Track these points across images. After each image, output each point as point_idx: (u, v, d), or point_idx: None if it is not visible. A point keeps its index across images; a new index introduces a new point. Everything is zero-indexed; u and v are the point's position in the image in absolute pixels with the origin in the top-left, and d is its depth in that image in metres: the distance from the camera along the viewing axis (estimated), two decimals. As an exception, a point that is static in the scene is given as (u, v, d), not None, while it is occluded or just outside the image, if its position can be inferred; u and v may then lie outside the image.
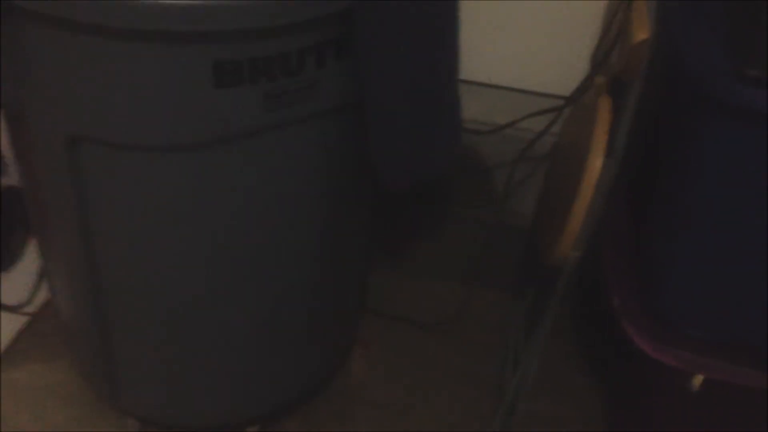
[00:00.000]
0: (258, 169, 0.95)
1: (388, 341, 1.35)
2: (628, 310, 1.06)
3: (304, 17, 0.84)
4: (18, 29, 0.83)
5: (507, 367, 1.28)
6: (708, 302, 1.02)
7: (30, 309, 1.38)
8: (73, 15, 0.78)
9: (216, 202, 0.95)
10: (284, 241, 1.04)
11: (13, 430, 1.19)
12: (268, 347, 1.13)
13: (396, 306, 1.38)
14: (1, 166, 1.35)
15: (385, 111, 0.95)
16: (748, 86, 0.85)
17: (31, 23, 0.82)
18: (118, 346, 1.11)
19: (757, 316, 1.00)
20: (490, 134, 1.28)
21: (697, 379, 1.02)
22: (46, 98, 0.88)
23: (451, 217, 1.26)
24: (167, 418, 1.23)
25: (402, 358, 1.32)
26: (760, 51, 0.87)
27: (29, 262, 1.33)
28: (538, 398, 1.24)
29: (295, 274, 1.09)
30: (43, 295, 1.39)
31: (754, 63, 0.85)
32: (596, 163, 1.02)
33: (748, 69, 0.85)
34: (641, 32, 0.93)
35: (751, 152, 0.88)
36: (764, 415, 1.04)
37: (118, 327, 1.08)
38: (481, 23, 1.24)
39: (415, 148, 1.01)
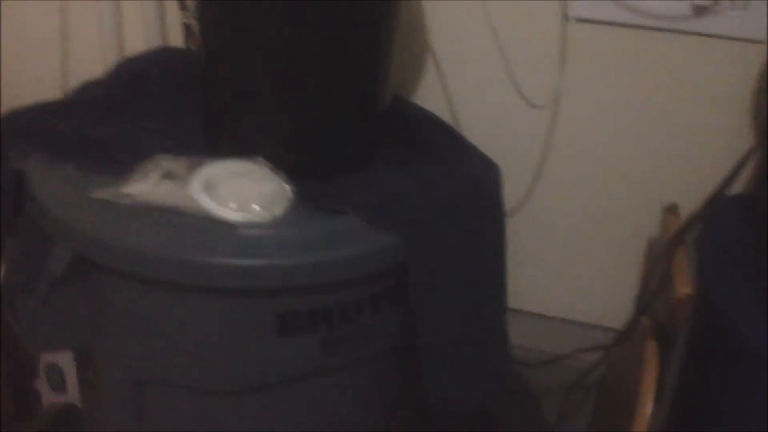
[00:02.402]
0: (314, 407, 0.98)
1: None
2: None
3: (362, 273, 0.91)
4: (95, 280, 0.91)
5: None
6: None
7: None
8: (147, 271, 0.86)
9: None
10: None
11: None
12: None
13: None
14: (64, 384, 1.40)
15: (436, 352, 0.99)
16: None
17: (106, 276, 0.89)
18: None
19: None
20: (541, 364, 1.30)
21: None
22: (117, 343, 0.94)
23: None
24: None
25: None
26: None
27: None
28: None
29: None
30: None
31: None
32: (646, 410, 1.03)
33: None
34: (684, 287, 0.97)
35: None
36: None
37: None
38: (528, 254, 1.30)
39: (464, 385, 1.04)
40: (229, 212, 0.88)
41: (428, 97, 1.28)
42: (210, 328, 0.89)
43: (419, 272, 0.93)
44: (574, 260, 1.32)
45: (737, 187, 1.12)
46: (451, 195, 1.00)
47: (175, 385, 0.93)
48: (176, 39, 1.33)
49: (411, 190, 0.99)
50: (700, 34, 1.15)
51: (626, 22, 1.17)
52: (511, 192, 1.16)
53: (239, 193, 0.90)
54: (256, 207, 0.89)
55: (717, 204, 1.09)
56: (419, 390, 1.00)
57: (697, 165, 1.21)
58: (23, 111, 1.11)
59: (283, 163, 0.94)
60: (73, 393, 1.44)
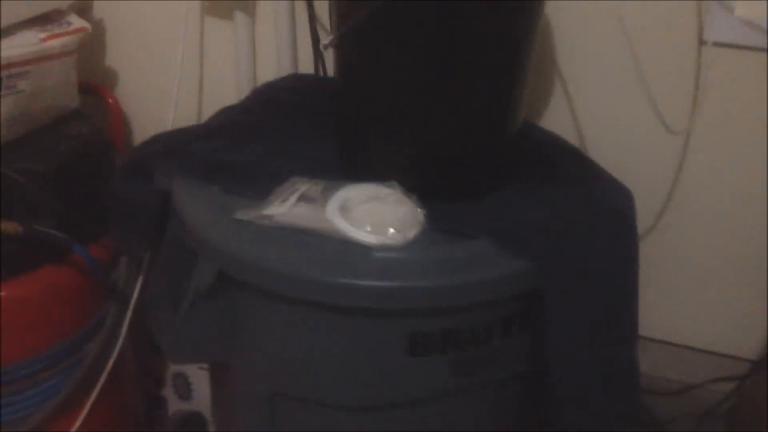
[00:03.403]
0: (440, 428, 0.99)
1: None
2: None
3: (492, 297, 0.91)
4: (235, 297, 0.95)
5: None
6: None
7: None
8: (284, 289, 0.89)
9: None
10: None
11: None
12: None
13: None
14: (190, 392, 1.46)
15: (566, 380, 0.98)
16: None
17: (246, 293, 0.93)
18: None
19: None
20: (670, 394, 1.27)
21: None
22: (253, 357, 0.97)
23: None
24: None
25: None
26: None
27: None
28: None
29: None
30: None
31: None
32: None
33: None
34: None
35: None
36: None
37: None
38: (659, 279, 1.27)
39: (591, 414, 1.02)
40: (364, 234, 0.90)
41: (556, 121, 1.27)
42: (343, 346, 0.92)
43: (554, 298, 0.93)
44: (705, 287, 1.28)
45: None
46: (585, 220, 1.00)
47: (307, 400, 0.95)
48: (307, 65, 1.38)
49: (543, 215, 0.99)
50: None
51: (763, 46, 1.14)
52: (641, 217, 1.14)
53: (374, 215, 0.92)
54: (390, 230, 0.91)
55: None
56: (545, 418, 0.99)
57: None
58: (165, 135, 1.18)
59: (416, 187, 0.96)
60: (198, 401, 1.51)
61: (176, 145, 1.12)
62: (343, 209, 0.93)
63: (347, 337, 0.91)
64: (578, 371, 0.97)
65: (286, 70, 1.40)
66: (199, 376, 1.53)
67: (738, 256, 1.25)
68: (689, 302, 1.30)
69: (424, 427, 0.97)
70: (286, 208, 0.94)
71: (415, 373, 0.92)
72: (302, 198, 0.96)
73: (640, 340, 1.07)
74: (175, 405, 1.58)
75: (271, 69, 1.40)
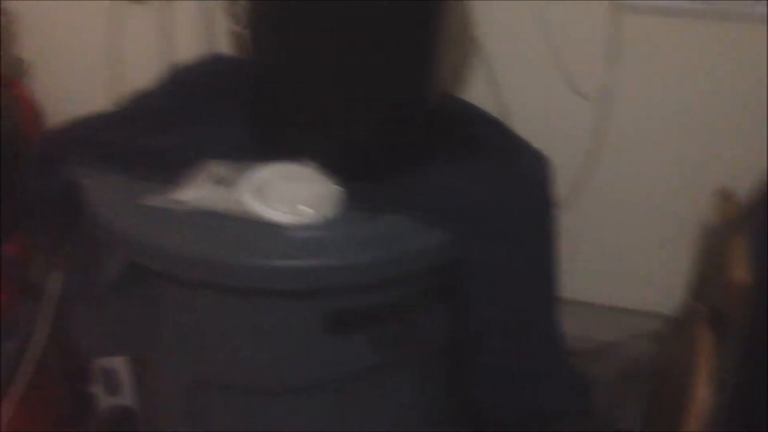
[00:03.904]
0: (364, 406, 0.99)
1: None
2: None
3: (409, 271, 0.91)
4: (149, 286, 0.93)
5: None
6: None
7: None
8: (198, 275, 0.87)
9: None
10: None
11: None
12: None
13: None
14: (119, 387, 1.43)
15: (489, 350, 0.99)
16: None
17: (160, 281, 0.91)
18: None
19: None
20: (593, 352, 1.29)
21: None
22: (171, 346, 0.96)
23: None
24: None
25: None
26: None
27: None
28: None
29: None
30: None
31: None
32: (702, 394, 1.01)
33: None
34: (741, 273, 0.95)
35: None
36: None
37: None
38: (580, 244, 1.29)
39: (517, 383, 1.04)
40: (279, 215, 0.89)
41: (477, 93, 1.27)
42: (262, 329, 0.91)
43: (473, 269, 0.93)
44: (626, 248, 1.31)
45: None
46: (504, 190, 1.00)
47: (229, 386, 0.94)
48: (225, 46, 1.35)
49: (463, 187, 0.99)
50: (752, 19, 1.13)
51: (675, 9, 1.16)
52: (562, 183, 1.15)
53: (289, 195, 0.91)
54: (305, 209, 0.90)
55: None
56: (471, 389, 1.00)
57: (750, 150, 1.19)
58: (75, 122, 1.14)
59: (334, 165, 0.95)
60: (127, 395, 1.48)
61: (88, 134, 1.09)
62: (258, 190, 0.91)
63: (265, 320, 0.90)
64: (499, 340, 0.98)
65: (203, 51, 1.36)
66: (128, 371, 1.50)
67: (655, 217, 1.28)
68: (610, 263, 1.33)
69: (347, 406, 0.97)
70: (198, 191, 0.92)
71: (336, 352, 0.92)
72: (216, 181, 0.94)
73: (563, 303, 1.09)
74: (104, 401, 1.55)
75: (189, 50, 1.37)
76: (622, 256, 1.32)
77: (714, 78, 1.19)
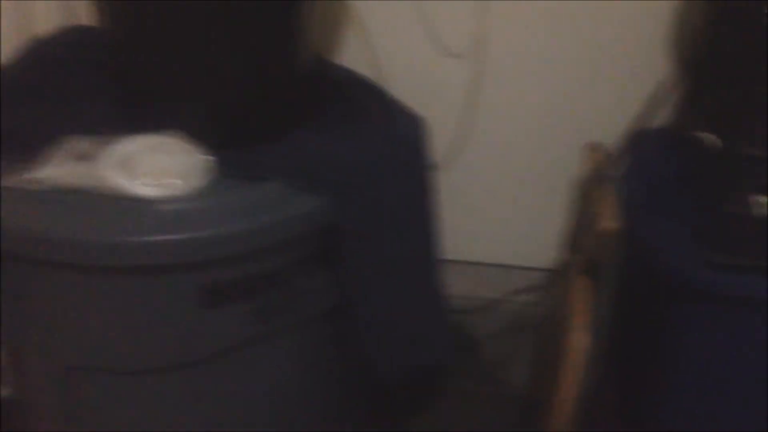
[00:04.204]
0: (253, 378, 0.97)
1: None
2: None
3: (285, 238, 0.90)
4: (11, 270, 0.88)
5: None
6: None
7: None
8: (61, 257, 0.83)
9: (212, 413, 0.97)
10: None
11: None
12: None
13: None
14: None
15: (372, 313, 0.99)
16: (716, 273, 0.90)
17: (22, 265, 0.86)
18: None
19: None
20: (478, 310, 1.32)
21: None
22: (42, 331, 0.91)
23: (447, 393, 1.28)
24: None
25: None
26: (725, 239, 0.92)
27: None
28: None
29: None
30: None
31: (720, 250, 0.90)
32: (578, 339, 1.05)
33: (715, 257, 0.90)
34: (609, 221, 0.99)
35: (723, 331, 0.92)
36: None
37: None
38: (459, 204, 1.31)
39: (403, 343, 1.04)
40: (144, 188, 0.86)
41: (351, 56, 1.27)
42: (134, 307, 0.87)
43: (350, 233, 0.93)
44: (504, 206, 1.34)
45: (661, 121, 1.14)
46: (377, 154, 1.00)
47: (105, 369, 0.91)
48: (85, 17, 1.29)
49: (335, 153, 0.98)
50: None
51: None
52: (439, 143, 1.16)
53: (155, 168, 0.88)
54: (173, 180, 0.87)
55: (638, 138, 1.10)
56: (359, 353, 1.00)
57: (619, 102, 1.23)
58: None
59: (202, 134, 0.92)
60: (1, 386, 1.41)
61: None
62: (123, 164, 0.88)
63: (137, 298, 0.86)
64: (382, 303, 0.98)
65: (62, 23, 1.30)
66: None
67: (532, 172, 1.31)
68: (489, 221, 1.36)
69: (229, 380, 0.95)
70: (57, 169, 0.87)
71: (212, 325, 0.89)
72: (78, 157, 0.89)
73: (446, 263, 1.10)
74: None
75: (47, 22, 1.30)
76: (501, 213, 1.35)
77: (585, 30, 1.22)
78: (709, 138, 0.96)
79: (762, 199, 0.90)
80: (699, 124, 1.01)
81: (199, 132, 0.92)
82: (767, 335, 0.92)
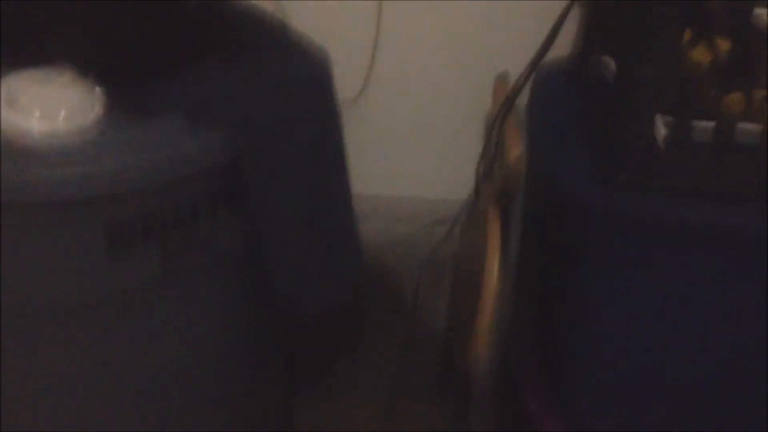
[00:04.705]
0: (162, 320, 0.95)
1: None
2: (542, 410, 1.09)
3: (183, 176, 0.86)
4: None
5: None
6: (611, 400, 1.05)
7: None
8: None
9: (122, 356, 0.95)
10: (198, 379, 1.03)
11: None
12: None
13: (323, 426, 1.37)
14: None
15: (283, 251, 0.97)
16: (616, 192, 0.90)
17: None
18: None
19: (657, 409, 1.03)
20: (394, 244, 1.31)
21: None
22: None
23: (366, 333, 1.29)
24: None
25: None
26: (624, 159, 0.92)
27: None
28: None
29: (213, 408, 1.08)
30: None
31: (619, 171, 0.91)
32: (493, 267, 1.06)
33: (614, 176, 0.91)
34: (515, 148, 0.99)
35: (628, 251, 0.93)
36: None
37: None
38: (372, 139, 1.29)
39: (316, 280, 1.03)
40: (33, 122, 0.82)
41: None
42: (35, 246, 0.84)
43: (253, 170, 0.91)
44: (416, 139, 1.33)
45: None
46: (278, 87, 0.97)
47: (12, 310, 0.87)
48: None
49: (237, 86, 0.95)
50: None
51: None
52: (347, 76, 1.14)
53: (43, 101, 0.84)
54: (63, 114, 0.83)
55: (541, 67, 1.10)
56: (273, 294, 0.98)
57: (526, 31, 1.22)
58: None
59: (92, 68, 0.87)
60: None
61: None
62: (8, 99, 0.83)
63: (34, 239, 0.83)
64: (292, 241, 0.97)
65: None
66: None
67: (442, 105, 1.30)
68: (402, 155, 1.35)
69: (139, 323, 0.93)
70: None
71: (119, 265, 0.86)
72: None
73: (360, 198, 1.09)
74: None
75: None
76: (413, 147, 1.34)
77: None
78: (608, 61, 0.96)
79: (666, 118, 0.90)
80: (599, 48, 1.01)
81: (88, 65, 0.88)
82: (666, 256, 0.93)
